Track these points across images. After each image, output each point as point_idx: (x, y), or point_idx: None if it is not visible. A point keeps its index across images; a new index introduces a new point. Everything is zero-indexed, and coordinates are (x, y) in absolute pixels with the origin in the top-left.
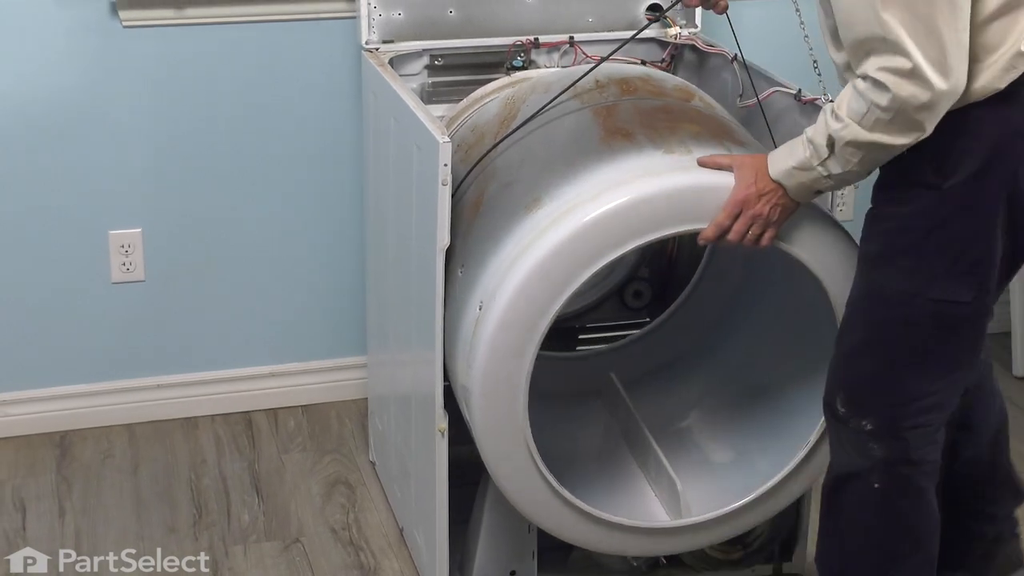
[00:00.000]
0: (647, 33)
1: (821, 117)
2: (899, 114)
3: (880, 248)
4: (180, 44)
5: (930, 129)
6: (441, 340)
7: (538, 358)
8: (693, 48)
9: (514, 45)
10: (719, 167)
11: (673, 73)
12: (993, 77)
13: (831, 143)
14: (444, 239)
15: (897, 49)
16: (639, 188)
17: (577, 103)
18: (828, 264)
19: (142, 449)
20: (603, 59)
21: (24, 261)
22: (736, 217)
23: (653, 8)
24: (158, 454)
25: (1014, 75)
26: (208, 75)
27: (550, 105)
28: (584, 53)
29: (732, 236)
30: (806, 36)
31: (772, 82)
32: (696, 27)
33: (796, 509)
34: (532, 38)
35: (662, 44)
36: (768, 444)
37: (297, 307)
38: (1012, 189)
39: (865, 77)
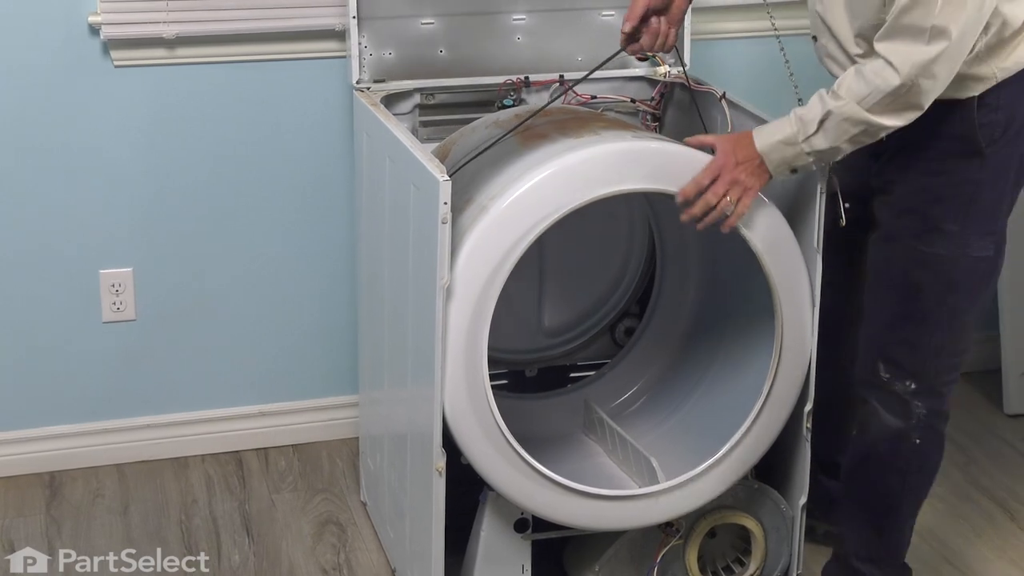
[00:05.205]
0: (636, 72)
1: (814, 99)
2: (903, 97)
3: (922, 219)
4: (171, 84)
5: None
6: (441, 377)
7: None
8: (683, 86)
9: (505, 84)
10: (703, 144)
11: (663, 111)
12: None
13: (824, 118)
14: (445, 276)
15: (936, 40)
16: (558, 162)
17: (500, 131)
18: (774, 252)
19: (132, 489)
20: (546, 104)
21: (14, 300)
22: (715, 180)
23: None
24: (148, 494)
25: None
26: (199, 115)
27: (501, 137)
28: (574, 92)
29: (709, 195)
30: (791, 74)
31: (759, 120)
32: (685, 65)
33: (788, 551)
34: (522, 77)
35: (651, 83)
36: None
37: (288, 346)
38: (1022, 153)
39: (878, 59)
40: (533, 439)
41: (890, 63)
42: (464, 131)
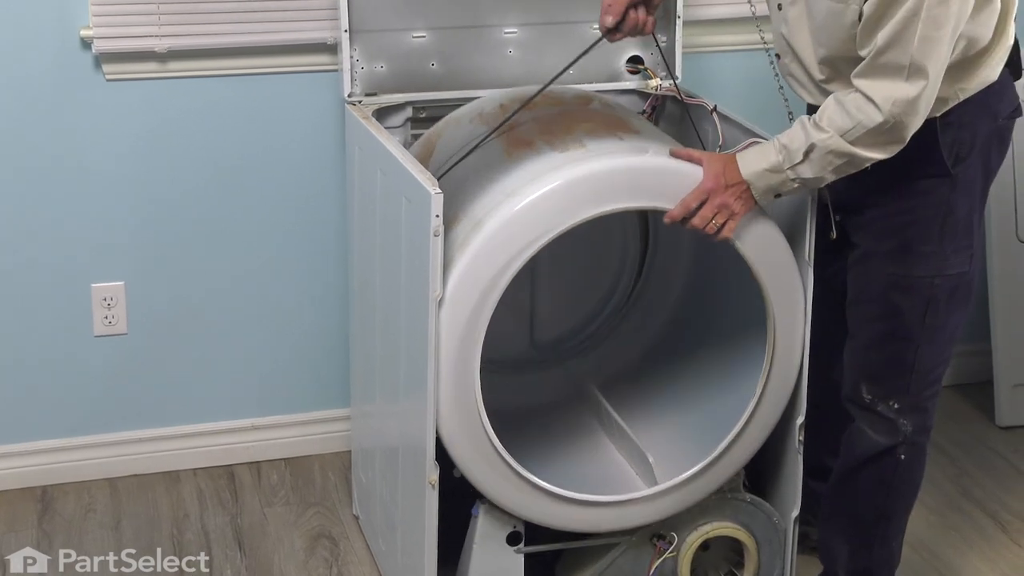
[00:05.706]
0: (628, 85)
1: (796, 127)
2: (886, 132)
3: (899, 242)
4: (164, 97)
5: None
6: (434, 391)
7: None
8: (674, 99)
9: None
10: (691, 159)
11: (654, 124)
12: (991, 71)
13: (809, 150)
14: (437, 289)
15: (915, 78)
16: (533, 190)
17: (484, 128)
18: (769, 264)
19: (124, 503)
20: (527, 100)
21: (6, 314)
22: (703, 203)
23: (633, 60)
24: (140, 508)
25: (1002, 65)
26: (191, 128)
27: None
28: None
29: (696, 220)
30: (781, 88)
31: (750, 133)
32: (677, 78)
33: (781, 563)
34: None
35: (643, 95)
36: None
37: (279, 360)
38: (987, 167)
39: (861, 96)
40: (527, 415)
41: (871, 100)
42: (448, 123)
